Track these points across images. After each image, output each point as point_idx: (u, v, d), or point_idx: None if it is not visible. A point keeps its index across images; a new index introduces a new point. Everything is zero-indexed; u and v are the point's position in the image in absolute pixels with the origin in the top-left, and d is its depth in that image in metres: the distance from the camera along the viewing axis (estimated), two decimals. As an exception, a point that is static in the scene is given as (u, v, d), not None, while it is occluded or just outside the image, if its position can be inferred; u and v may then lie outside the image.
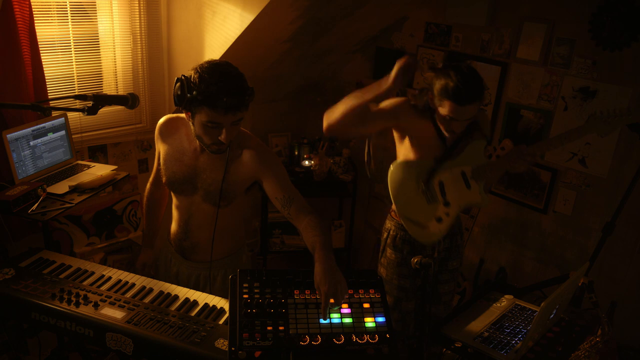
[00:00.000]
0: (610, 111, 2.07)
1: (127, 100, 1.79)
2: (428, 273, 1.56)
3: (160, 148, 1.96)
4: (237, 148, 1.84)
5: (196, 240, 2.00)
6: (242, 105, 1.67)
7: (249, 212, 3.96)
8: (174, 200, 2.02)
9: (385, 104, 2.12)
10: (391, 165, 2.24)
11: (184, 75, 1.67)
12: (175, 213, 2.04)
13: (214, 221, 1.89)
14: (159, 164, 2.00)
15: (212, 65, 1.66)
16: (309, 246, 1.71)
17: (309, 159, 3.77)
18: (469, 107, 1.99)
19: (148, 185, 2.20)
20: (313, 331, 1.46)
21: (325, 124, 2.05)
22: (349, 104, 2.01)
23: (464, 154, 2.21)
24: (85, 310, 1.63)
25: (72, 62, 2.76)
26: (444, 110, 2.02)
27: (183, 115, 1.84)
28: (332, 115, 2.03)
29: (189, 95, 1.63)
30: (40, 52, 2.47)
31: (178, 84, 1.67)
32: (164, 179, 1.97)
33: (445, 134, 2.11)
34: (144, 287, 1.79)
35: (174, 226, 2.07)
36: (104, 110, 2.35)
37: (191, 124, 1.75)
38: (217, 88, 1.61)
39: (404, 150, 2.27)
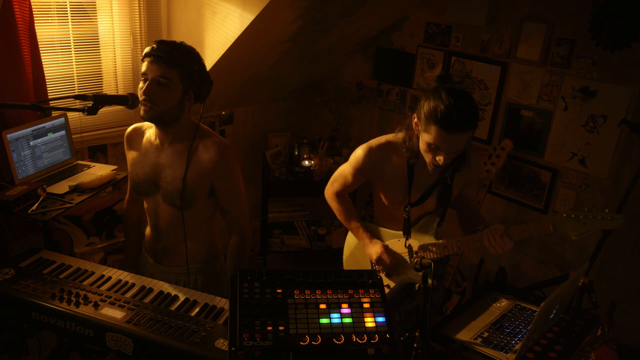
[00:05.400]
0: (583, 210, 1.70)
1: (127, 100, 1.78)
2: (428, 273, 1.55)
3: (128, 156, 1.98)
4: (196, 145, 1.84)
5: (167, 243, 2.00)
6: (170, 57, 1.74)
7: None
8: (144, 204, 2.02)
9: (346, 176, 2.07)
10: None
11: None
12: (147, 216, 2.04)
13: (180, 224, 1.89)
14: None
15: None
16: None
17: (309, 159, 3.77)
18: (458, 136, 1.70)
19: (124, 204, 2.18)
20: (313, 331, 1.46)
21: (325, 195, 2.21)
22: (336, 212, 2.18)
23: (417, 226, 2.02)
24: (85, 310, 1.63)
25: (72, 62, 2.76)
26: (428, 137, 1.73)
27: (147, 122, 1.91)
28: (328, 200, 2.20)
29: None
30: (40, 52, 2.47)
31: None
32: (130, 183, 1.98)
33: (429, 167, 1.83)
34: (144, 287, 1.79)
35: (148, 229, 2.07)
36: (104, 110, 2.35)
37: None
38: (154, 42, 1.80)
39: (375, 192, 2.13)
